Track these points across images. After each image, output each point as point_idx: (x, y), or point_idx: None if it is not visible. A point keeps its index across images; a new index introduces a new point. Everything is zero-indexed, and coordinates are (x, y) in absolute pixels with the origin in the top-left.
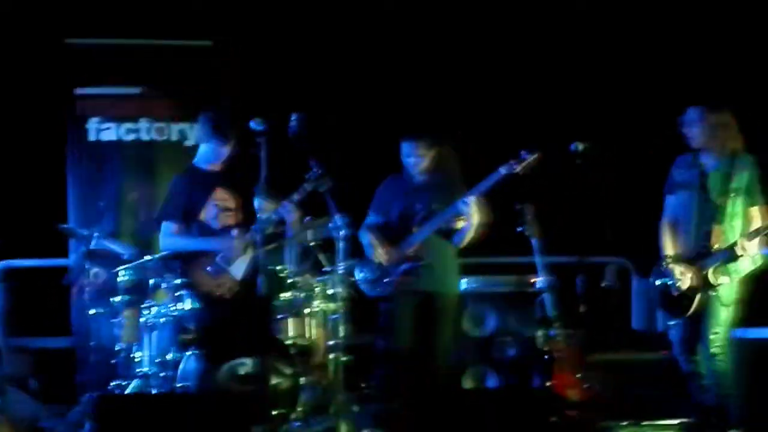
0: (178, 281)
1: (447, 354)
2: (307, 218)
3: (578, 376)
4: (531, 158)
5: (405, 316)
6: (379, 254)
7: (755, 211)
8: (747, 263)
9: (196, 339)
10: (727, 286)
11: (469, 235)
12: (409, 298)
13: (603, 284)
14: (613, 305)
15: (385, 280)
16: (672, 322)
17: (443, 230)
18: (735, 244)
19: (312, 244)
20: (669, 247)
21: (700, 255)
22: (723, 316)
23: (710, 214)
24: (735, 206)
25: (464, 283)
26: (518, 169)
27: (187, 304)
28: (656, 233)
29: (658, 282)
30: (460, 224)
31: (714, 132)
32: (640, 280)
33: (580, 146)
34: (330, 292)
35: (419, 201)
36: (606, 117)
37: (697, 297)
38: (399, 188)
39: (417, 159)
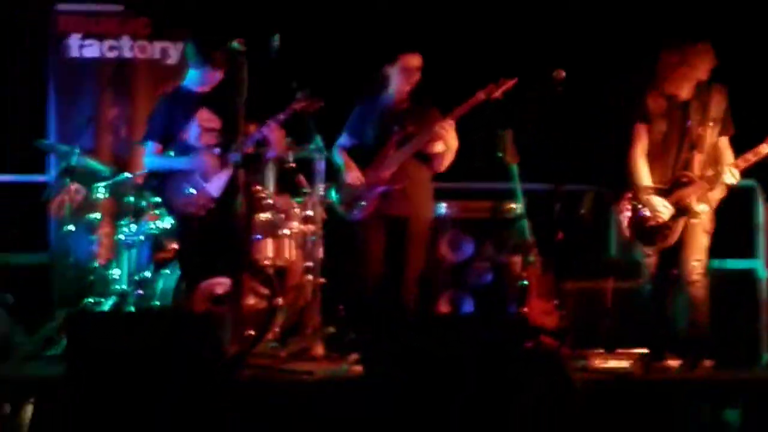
0: (156, 199)
1: (420, 279)
2: (288, 139)
3: (554, 303)
4: (509, 83)
5: (378, 240)
6: (354, 177)
7: (724, 141)
8: (719, 192)
9: (173, 257)
10: (707, 214)
11: (447, 160)
12: (383, 222)
13: (581, 212)
14: (590, 233)
15: (361, 203)
16: (650, 253)
17: (419, 154)
18: (721, 172)
19: (291, 165)
20: (645, 177)
21: (680, 183)
22: (705, 243)
23: (690, 142)
24: (712, 135)
25: (441, 209)
26: (496, 93)
27: (165, 223)
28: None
29: (631, 212)
30: (437, 148)
31: (708, 68)
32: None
33: (562, 73)
34: (308, 213)
35: (396, 123)
36: (586, 46)
37: (679, 226)
38: (375, 110)
39: (417, 72)
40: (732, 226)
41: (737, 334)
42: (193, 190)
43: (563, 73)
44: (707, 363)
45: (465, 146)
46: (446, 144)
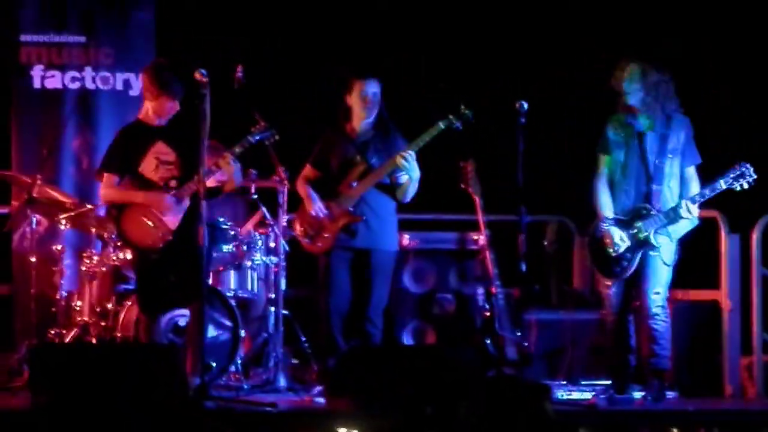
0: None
1: (383, 311)
2: (253, 172)
3: (517, 334)
4: (469, 113)
5: (342, 272)
6: (317, 209)
7: (691, 171)
8: (685, 223)
9: (135, 289)
10: (667, 246)
11: (411, 190)
12: (346, 255)
13: (544, 243)
14: (553, 264)
15: (324, 235)
16: (609, 284)
17: (382, 185)
18: (678, 205)
19: (255, 196)
20: (607, 207)
21: (639, 216)
22: (664, 275)
23: (648, 174)
24: (672, 167)
25: (405, 239)
26: (457, 123)
27: (128, 254)
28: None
29: (594, 242)
30: (401, 179)
31: (654, 91)
32: (582, 239)
33: (524, 104)
34: (271, 245)
35: (359, 154)
36: (550, 75)
37: (637, 258)
38: (338, 141)
39: (377, 101)
40: (695, 256)
41: (700, 365)
42: (150, 223)
43: (526, 105)
44: (671, 394)
45: (429, 176)
46: (409, 174)
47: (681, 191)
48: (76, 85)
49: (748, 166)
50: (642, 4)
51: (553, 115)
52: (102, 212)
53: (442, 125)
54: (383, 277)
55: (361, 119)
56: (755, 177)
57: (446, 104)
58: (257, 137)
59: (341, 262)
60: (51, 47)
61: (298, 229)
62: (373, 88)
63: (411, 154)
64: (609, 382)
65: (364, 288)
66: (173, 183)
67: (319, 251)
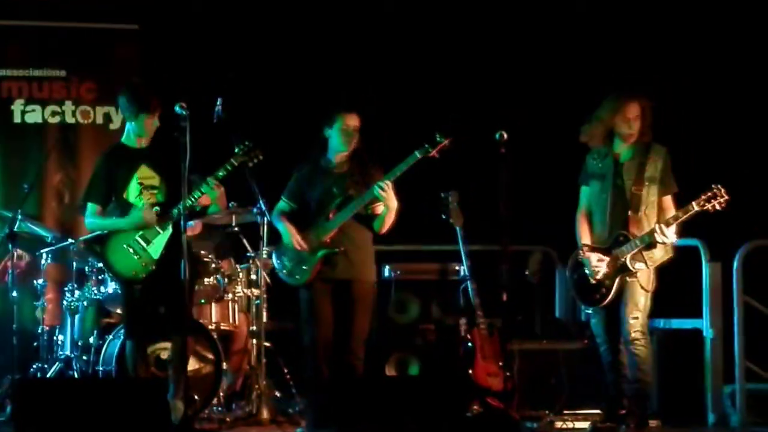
0: (100, 264)
1: (366, 341)
2: (232, 203)
3: (500, 364)
4: (445, 141)
5: (324, 304)
6: (295, 242)
7: (668, 200)
8: (661, 252)
9: (117, 322)
10: (645, 272)
11: (388, 221)
12: (326, 287)
13: (526, 273)
14: (536, 294)
15: (303, 268)
16: (590, 311)
17: (360, 216)
18: (653, 230)
19: (236, 229)
20: (585, 236)
21: (617, 242)
22: (642, 301)
23: (625, 202)
24: (649, 195)
25: (388, 271)
26: (433, 152)
27: (109, 288)
28: None
29: (574, 271)
30: (378, 209)
31: (633, 122)
32: (564, 268)
33: (505, 135)
34: (253, 277)
35: (336, 186)
36: (531, 105)
37: (615, 284)
38: (315, 173)
39: (355, 133)
40: (677, 285)
41: (683, 394)
42: (132, 252)
43: (506, 135)
44: (654, 422)
45: (411, 207)
46: (386, 205)
47: (658, 219)
48: (56, 120)
49: (720, 187)
50: (624, 35)
51: (535, 146)
52: (83, 246)
53: (418, 154)
54: (364, 307)
55: (339, 151)
56: (727, 198)
57: (423, 133)
58: (239, 160)
59: (322, 294)
60: (32, 81)
61: (276, 262)
62: (354, 121)
63: (388, 185)
64: (592, 411)
65: (346, 319)
66: (157, 209)
67: (299, 284)
